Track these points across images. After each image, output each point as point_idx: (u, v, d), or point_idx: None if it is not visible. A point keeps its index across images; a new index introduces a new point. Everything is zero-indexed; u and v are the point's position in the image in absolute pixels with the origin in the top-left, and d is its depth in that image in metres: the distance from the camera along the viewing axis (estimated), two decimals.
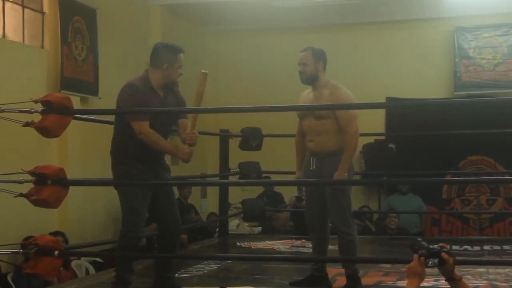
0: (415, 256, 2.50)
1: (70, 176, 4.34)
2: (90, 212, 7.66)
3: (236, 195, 8.08)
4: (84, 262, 6.73)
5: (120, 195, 4.25)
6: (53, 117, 4.05)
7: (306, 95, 4.68)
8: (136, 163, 4.18)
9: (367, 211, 9.18)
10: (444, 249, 2.51)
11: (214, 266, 5.55)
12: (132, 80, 4.26)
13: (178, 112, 4.31)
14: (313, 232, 4.67)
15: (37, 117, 4.06)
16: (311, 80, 4.57)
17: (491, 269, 5.23)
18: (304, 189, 4.86)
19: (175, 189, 8.41)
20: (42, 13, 7.45)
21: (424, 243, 2.54)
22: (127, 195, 4.20)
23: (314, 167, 4.54)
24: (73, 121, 4.28)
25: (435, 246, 2.53)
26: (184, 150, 4.16)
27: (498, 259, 6.09)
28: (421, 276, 2.48)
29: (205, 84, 4.24)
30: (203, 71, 4.22)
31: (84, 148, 7.58)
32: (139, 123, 4.09)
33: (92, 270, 6.65)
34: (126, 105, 4.16)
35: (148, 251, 7.25)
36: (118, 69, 8.13)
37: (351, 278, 4.50)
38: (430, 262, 2.48)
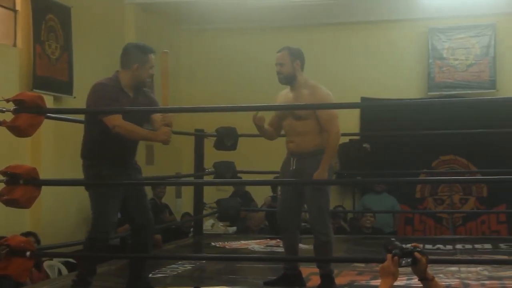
0: (389, 255, 2.52)
1: (42, 176, 4.30)
2: (62, 212, 7.59)
3: (211, 195, 8.06)
4: (56, 262, 6.67)
5: (91, 197, 4.22)
6: (25, 116, 4.01)
7: (285, 95, 4.65)
8: (106, 165, 4.16)
9: (342, 210, 9.22)
10: (417, 249, 2.54)
11: (188, 266, 5.53)
12: (101, 80, 4.24)
13: (149, 112, 4.28)
14: (285, 231, 4.66)
15: (9, 117, 4.01)
16: (288, 80, 4.56)
17: (463, 268, 5.29)
18: (279, 188, 4.85)
19: (149, 188, 8.46)
20: (15, 11, 7.37)
21: (397, 242, 2.56)
22: (98, 197, 4.17)
23: (294, 167, 4.53)
24: (46, 121, 4.24)
25: (408, 245, 2.55)
26: (162, 131, 4.13)
27: (470, 258, 6.16)
28: (395, 276, 2.50)
29: (167, 64, 4.21)
30: (164, 50, 4.21)
31: (57, 148, 7.52)
32: (111, 117, 4.07)
33: (64, 270, 6.59)
34: (96, 104, 4.14)
35: (122, 251, 7.20)
36: (93, 68, 8.07)
37: (325, 278, 4.50)
38: (404, 262, 2.50)
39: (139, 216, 4.30)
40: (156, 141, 4.25)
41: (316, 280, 4.63)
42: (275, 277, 4.70)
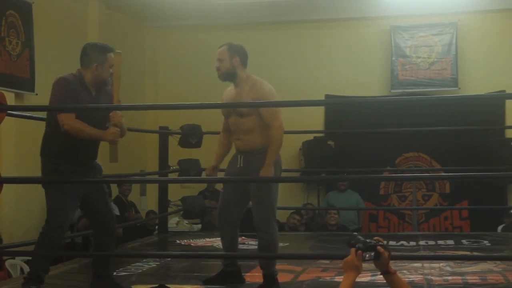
0: (352, 249, 2.54)
1: (3, 173, 4.23)
2: (24, 210, 7.49)
3: (176, 192, 8.02)
4: (18, 261, 6.58)
5: (48, 194, 4.17)
6: None
7: (228, 92, 4.61)
8: (64, 163, 4.11)
9: (311, 207, 9.26)
10: (380, 243, 2.57)
11: (153, 264, 5.50)
12: (64, 75, 4.21)
13: (110, 110, 4.23)
14: (223, 229, 4.61)
15: None
16: (227, 76, 4.50)
17: (426, 264, 5.35)
18: (223, 186, 4.81)
19: (114, 186, 8.39)
20: None
21: (360, 237, 2.58)
22: (56, 193, 4.12)
23: (241, 165, 4.47)
24: (7, 118, 4.19)
25: (371, 240, 2.58)
26: (110, 131, 4.12)
27: (433, 254, 6.23)
28: (358, 270, 2.52)
29: (120, 64, 4.21)
30: (117, 51, 4.19)
31: (19, 146, 7.41)
32: (64, 115, 4.04)
33: (27, 269, 6.49)
34: (55, 98, 4.11)
35: (85, 249, 7.13)
36: (55, 64, 7.95)
37: (268, 278, 4.43)
38: (367, 256, 2.52)
39: (101, 214, 4.27)
40: (105, 140, 4.21)
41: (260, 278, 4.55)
42: (213, 274, 4.67)
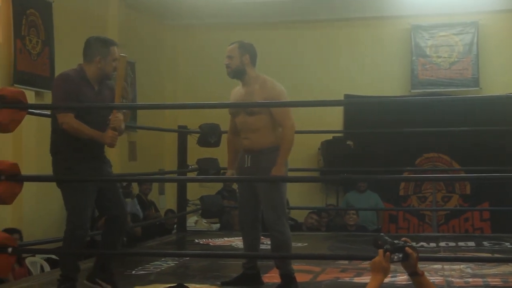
0: (380, 251, 2.48)
1: (24, 171, 4.25)
2: (44, 208, 7.52)
3: (195, 191, 8.03)
4: (38, 259, 6.62)
5: (64, 194, 4.16)
6: (6, 111, 3.97)
7: (237, 91, 4.58)
8: (75, 161, 4.11)
9: (332, 208, 9.23)
10: (408, 244, 2.51)
11: (171, 263, 5.50)
12: (66, 70, 4.21)
13: (116, 108, 4.21)
14: (244, 229, 4.60)
15: None
16: (236, 73, 4.47)
17: (446, 266, 5.30)
18: (238, 187, 4.78)
19: (135, 185, 8.40)
20: None
21: (387, 238, 2.53)
22: (72, 192, 4.12)
23: (249, 165, 4.44)
24: (27, 116, 4.21)
25: (399, 241, 2.53)
26: (108, 134, 4.08)
27: (453, 255, 6.18)
28: (386, 272, 2.48)
29: (124, 68, 4.18)
30: (122, 54, 4.18)
31: (39, 143, 7.42)
32: (63, 114, 4.03)
33: (47, 267, 6.54)
34: (56, 96, 4.11)
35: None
36: (74, 63, 7.92)
37: (285, 278, 4.40)
38: (395, 257, 2.47)
39: (114, 208, 4.25)
40: (103, 143, 4.16)
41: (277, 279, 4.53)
42: (234, 276, 4.64)
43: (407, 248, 2.49)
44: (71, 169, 4.12)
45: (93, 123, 4.09)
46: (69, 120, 4.02)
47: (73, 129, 4.03)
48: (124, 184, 7.56)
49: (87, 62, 4.20)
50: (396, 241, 2.50)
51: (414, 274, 2.54)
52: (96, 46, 4.19)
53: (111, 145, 4.13)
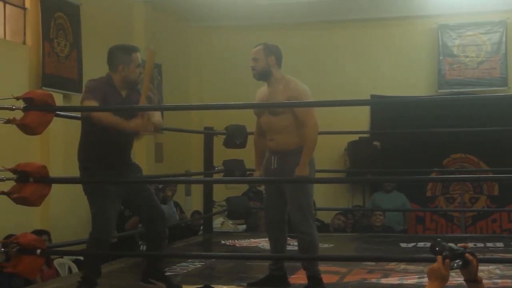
0: (439, 257, 2.34)
1: (52, 173, 4.29)
2: (72, 210, 7.59)
3: (221, 192, 8.04)
4: (66, 260, 6.68)
5: (90, 199, 4.22)
6: (34, 114, 4.01)
7: (261, 92, 4.58)
8: (99, 169, 4.16)
9: (358, 209, 9.19)
10: (468, 250, 2.39)
11: (198, 264, 5.52)
12: (92, 79, 4.29)
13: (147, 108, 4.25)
14: (271, 232, 4.59)
15: (18, 114, 4.01)
16: (262, 75, 4.48)
17: None
18: (264, 188, 4.78)
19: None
20: (24, 9, 7.37)
21: (444, 243, 2.39)
22: (97, 198, 4.17)
23: (275, 166, 4.42)
24: (55, 119, 4.24)
25: (458, 247, 2.39)
26: (138, 121, 4.10)
27: (482, 256, 6.10)
28: (445, 279, 2.32)
29: (153, 60, 4.23)
30: (149, 46, 4.21)
31: (67, 146, 7.49)
32: (98, 113, 4.08)
33: (74, 268, 6.60)
34: (85, 101, 4.16)
35: (132, 249, 7.20)
36: (102, 65, 7.99)
37: (312, 279, 4.39)
38: (455, 264, 2.33)
39: (147, 211, 4.30)
40: (145, 131, 4.19)
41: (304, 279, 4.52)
42: (260, 278, 4.64)
43: (467, 255, 2.37)
44: (93, 174, 4.18)
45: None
46: (102, 115, 4.07)
47: (110, 122, 4.05)
48: (160, 186, 7.61)
49: (112, 71, 4.26)
50: (455, 247, 2.38)
51: (473, 281, 2.40)
52: (118, 55, 4.25)
53: (157, 130, 4.20)
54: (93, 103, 4.10)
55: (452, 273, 2.30)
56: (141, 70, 4.25)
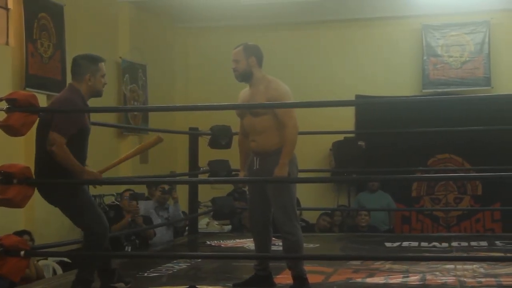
0: None
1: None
2: (57, 211, 7.48)
3: (206, 193, 8.03)
4: (51, 262, 6.64)
5: (75, 213, 4.24)
6: (18, 115, 4.00)
7: (244, 93, 4.59)
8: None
9: (344, 208, 9.21)
10: None
11: (183, 265, 5.51)
12: (63, 95, 4.21)
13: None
14: (256, 232, 4.60)
15: (2, 116, 3.98)
16: (244, 77, 4.48)
17: (459, 266, 5.28)
18: (248, 189, 4.78)
19: (144, 187, 8.41)
20: (7, 9, 7.31)
21: None
22: (88, 206, 4.19)
23: (257, 167, 4.44)
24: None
25: None
26: (90, 173, 4.14)
27: (466, 255, 6.15)
28: None
29: (152, 145, 4.45)
30: (159, 135, 4.27)
31: None
32: (58, 136, 3.99)
33: (59, 270, 6.57)
34: (62, 119, 4.06)
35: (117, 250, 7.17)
36: None
37: (298, 279, 4.40)
38: None
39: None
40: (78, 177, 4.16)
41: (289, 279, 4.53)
42: (245, 278, 4.64)
43: None
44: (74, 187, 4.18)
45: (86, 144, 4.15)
46: (62, 143, 3.99)
47: (62, 153, 3.99)
48: (167, 188, 7.60)
49: (77, 81, 4.21)
50: None
51: None
52: (84, 64, 4.21)
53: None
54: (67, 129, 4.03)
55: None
56: (105, 80, 4.22)
